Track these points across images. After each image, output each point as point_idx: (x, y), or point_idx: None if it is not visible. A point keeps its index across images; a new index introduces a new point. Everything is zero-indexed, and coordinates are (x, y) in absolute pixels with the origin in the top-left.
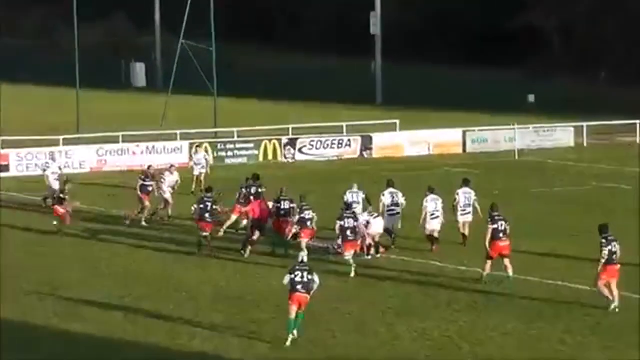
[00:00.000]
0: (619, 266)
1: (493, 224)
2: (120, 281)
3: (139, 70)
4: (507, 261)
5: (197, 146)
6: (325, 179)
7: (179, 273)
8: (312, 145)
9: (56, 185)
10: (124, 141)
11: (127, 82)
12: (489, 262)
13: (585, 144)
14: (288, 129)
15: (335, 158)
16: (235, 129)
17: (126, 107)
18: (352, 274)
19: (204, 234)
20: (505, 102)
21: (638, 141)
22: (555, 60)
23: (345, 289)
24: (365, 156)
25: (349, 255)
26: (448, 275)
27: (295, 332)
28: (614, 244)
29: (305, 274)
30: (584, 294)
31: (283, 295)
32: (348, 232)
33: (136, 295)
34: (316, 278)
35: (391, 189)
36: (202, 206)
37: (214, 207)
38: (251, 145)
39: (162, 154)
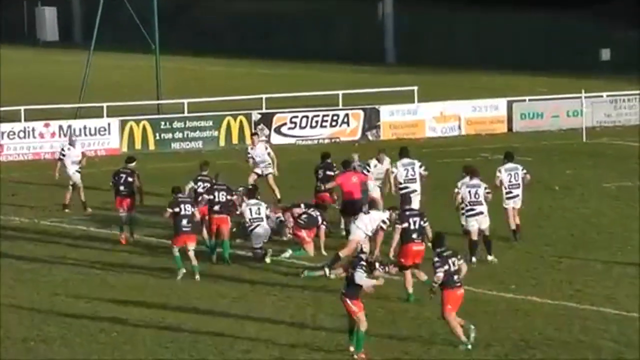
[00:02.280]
0: (462, 291)
1: (403, 222)
2: (25, 318)
3: (49, 18)
4: (417, 271)
5: (253, 135)
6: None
7: (108, 305)
8: (295, 123)
9: (78, 179)
10: (27, 119)
11: (31, 35)
12: (408, 274)
13: None
14: (261, 99)
15: (328, 141)
16: (185, 101)
17: (30, 71)
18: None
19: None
20: (568, 60)
21: None
22: None
23: (342, 326)
24: (370, 138)
25: (176, 250)
26: (487, 304)
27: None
28: (452, 260)
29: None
30: None
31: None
32: (183, 222)
33: (45, 337)
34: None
35: (406, 160)
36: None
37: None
38: (209, 123)
39: (81, 135)
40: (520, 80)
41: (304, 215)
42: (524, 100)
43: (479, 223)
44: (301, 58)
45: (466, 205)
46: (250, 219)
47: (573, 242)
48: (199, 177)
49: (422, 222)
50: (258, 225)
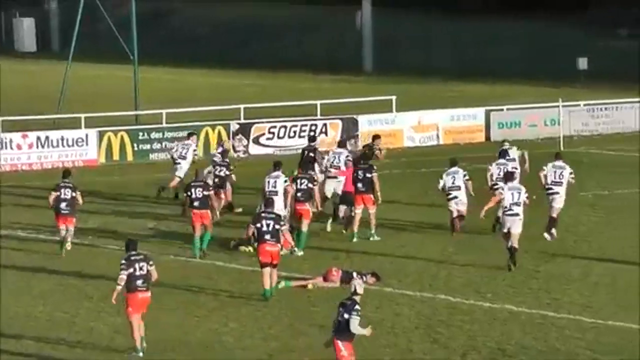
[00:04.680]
0: (146, 295)
1: (256, 222)
2: (2, 330)
3: (27, 29)
4: (273, 271)
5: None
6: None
7: (85, 316)
8: (273, 133)
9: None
10: (4, 130)
11: (8, 45)
12: (266, 273)
13: None
14: (239, 109)
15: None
16: (163, 111)
17: (7, 81)
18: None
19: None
20: (546, 69)
21: None
22: (620, 9)
23: (321, 335)
24: (349, 147)
25: (62, 229)
26: (464, 312)
27: None
28: (140, 265)
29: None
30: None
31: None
32: (62, 205)
33: (22, 349)
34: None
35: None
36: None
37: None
38: (187, 133)
39: (58, 146)
40: (498, 89)
41: (299, 193)
42: (502, 109)
43: (554, 202)
44: (280, 67)
45: (547, 184)
46: (267, 191)
47: (551, 250)
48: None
49: (276, 226)
50: (271, 199)
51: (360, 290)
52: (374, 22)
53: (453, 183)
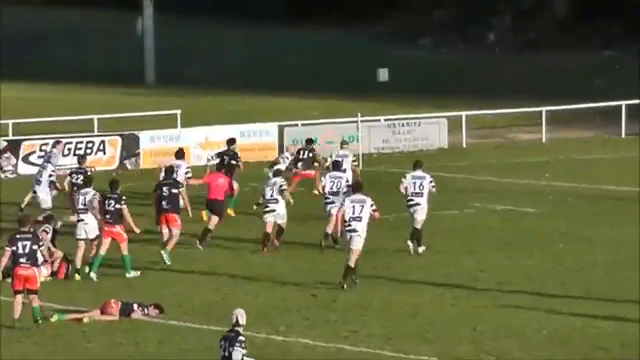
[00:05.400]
0: None
1: (11, 245)
2: None
3: None
4: (33, 297)
5: None
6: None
7: None
8: (45, 152)
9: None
10: None
11: None
12: (18, 298)
13: (464, 144)
14: (7, 125)
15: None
16: None
17: None
18: None
19: None
20: (344, 80)
21: (544, 139)
22: (422, 17)
23: None
24: (129, 167)
25: None
26: (253, 347)
27: None
28: None
29: None
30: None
31: None
32: None
33: None
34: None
35: (174, 161)
36: None
37: None
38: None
39: None
40: (292, 102)
41: (108, 215)
42: (296, 125)
43: (416, 214)
44: (52, 78)
45: (407, 196)
46: (78, 209)
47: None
48: None
49: (34, 247)
50: (82, 220)
51: (242, 321)
52: (156, 29)
53: (271, 195)
